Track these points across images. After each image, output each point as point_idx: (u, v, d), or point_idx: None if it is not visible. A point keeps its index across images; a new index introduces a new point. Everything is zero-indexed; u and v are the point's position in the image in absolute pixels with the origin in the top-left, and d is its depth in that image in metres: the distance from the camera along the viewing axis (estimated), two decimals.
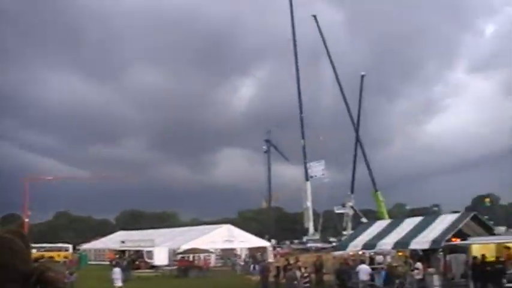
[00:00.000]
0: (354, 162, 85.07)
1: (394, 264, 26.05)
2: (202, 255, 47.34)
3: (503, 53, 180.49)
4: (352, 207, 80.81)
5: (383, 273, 22.07)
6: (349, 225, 77.38)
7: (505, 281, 20.65)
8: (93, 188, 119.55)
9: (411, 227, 26.83)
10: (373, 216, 72.76)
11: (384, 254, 28.76)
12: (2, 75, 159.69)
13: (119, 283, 28.03)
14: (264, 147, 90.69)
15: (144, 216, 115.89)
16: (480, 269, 22.23)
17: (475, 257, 23.14)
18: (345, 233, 70.28)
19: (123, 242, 55.01)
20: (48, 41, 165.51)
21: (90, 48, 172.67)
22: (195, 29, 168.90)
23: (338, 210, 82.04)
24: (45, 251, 56.94)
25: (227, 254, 52.48)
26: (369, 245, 27.01)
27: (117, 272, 28.79)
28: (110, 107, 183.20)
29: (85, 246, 70.53)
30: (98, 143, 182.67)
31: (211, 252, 49.48)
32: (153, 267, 46.90)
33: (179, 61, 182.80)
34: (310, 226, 78.12)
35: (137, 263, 47.56)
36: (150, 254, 48.96)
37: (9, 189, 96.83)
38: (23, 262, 1.81)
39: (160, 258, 48.26)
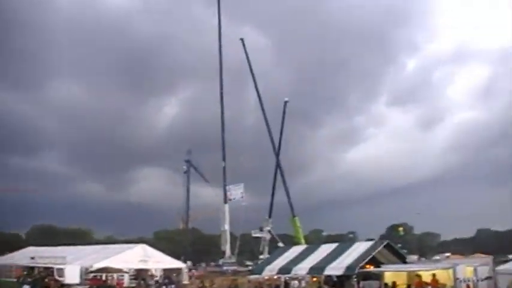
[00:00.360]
0: (273, 187, 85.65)
1: None
2: (115, 275, 46.15)
3: (422, 88, 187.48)
4: (269, 231, 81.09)
5: None
6: (266, 249, 77.57)
7: None
8: (3, 201, 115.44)
9: (327, 253, 27.05)
10: (290, 241, 73.19)
11: (299, 279, 28.85)
12: None
13: None
14: (184, 167, 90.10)
15: (57, 232, 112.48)
16: None
17: (386, 284, 23.54)
18: (261, 257, 70.32)
19: (32, 258, 52.89)
20: None
21: (13, 58, 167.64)
22: (122, 45, 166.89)
23: (255, 234, 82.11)
24: None
25: (141, 274, 51.43)
26: (285, 270, 27.01)
27: None
28: (29, 118, 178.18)
29: None
30: (13, 154, 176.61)
31: (125, 271, 48.34)
32: (63, 285, 45.32)
33: (104, 76, 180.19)
34: (227, 249, 77.80)
35: (47, 280, 45.83)
36: (60, 271, 47.23)
37: None
38: None
39: (72, 276, 46.65)
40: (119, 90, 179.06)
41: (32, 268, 50.54)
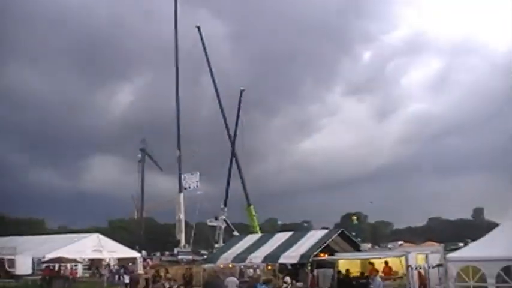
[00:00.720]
0: (229, 175, 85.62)
1: (264, 278, 26.22)
2: (68, 265, 45.60)
3: (376, 79, 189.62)
4: (224, 220, 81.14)
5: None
6: (221, 238, 77.61)
7: None
8: None
9: (281, 241, 27.20)
10: (246, 230, 73.38)
11: (254, 268, 28.96)
12: None
13: None
14: (139, 156, 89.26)
15: (7, 222, 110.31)
16: (345, 283, 22.86)
17: (339, 272, 23.81)
18: (216, 245, 70.36)
19: None
20: None
21: None
22: (74, 31, 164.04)
23: (210, 223, 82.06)
24: None
25: (95, 264, 50.96)
26: (240, 258, 27.07)
27: None
28: None
29: None
30: None
31: (79, 261, 47.80)
32: (14, 276, 44.55)
33: (57, 62, 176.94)
34: (182, 238, 77.60)
35: None
36: (11, 262, 46.41)
37: None
38: None
39: (23, 267, 45.91)
40: (72, 76, 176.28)
41: None
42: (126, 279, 34.48)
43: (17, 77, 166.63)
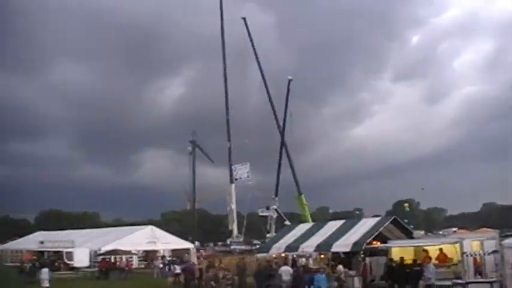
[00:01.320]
0: (279, 165, 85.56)
1: (316, 267, 26.23)
2: (124, 257, 46.54)
3: (427, 63, 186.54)
4: (276, 210, 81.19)
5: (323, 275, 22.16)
6: (273, 227, 77.73)
7: (421, 282, 21.16)
8: (12, 187, 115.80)
9: (333, 230, 27.18)
10: (297, 219, 73.34)
11: (307, 257, 29.00)
12: None
13: (46, 283, 27.53)
14: (189, 148, 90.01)
15: (64, 217, 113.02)
16: (398, 271, 22.70)
17: (391, 259, 23.65)
18: (268, 235, 70.51)
19: (41, 242, 53.32)
20: None
21: (15, 42, 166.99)
22: (124, 26, 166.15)
23: (262, 213, 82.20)
24: None
25: (150, 256, 51.80)
26: (292, 248, 27.17)
27: (45, 272, 28.29)
28: (33, 102, 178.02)
29: (1, 247, 68.07)
30: (18, 139, 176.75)
31: (134, 253, 48.71)
32: (73, 268, 45.73)
33: (107, 59, 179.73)
34: (234, 228, 78.03)
35: (57, 264, 46.26)
36: (70, 255, 47.69)
37: None
38: None
39: (81, 259, 47.09)
40: (122, 72, 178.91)
41: (42, 252, 51.03)
42: (178, 270, 34.92)
43: (71, 75, 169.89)
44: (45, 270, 28.86)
